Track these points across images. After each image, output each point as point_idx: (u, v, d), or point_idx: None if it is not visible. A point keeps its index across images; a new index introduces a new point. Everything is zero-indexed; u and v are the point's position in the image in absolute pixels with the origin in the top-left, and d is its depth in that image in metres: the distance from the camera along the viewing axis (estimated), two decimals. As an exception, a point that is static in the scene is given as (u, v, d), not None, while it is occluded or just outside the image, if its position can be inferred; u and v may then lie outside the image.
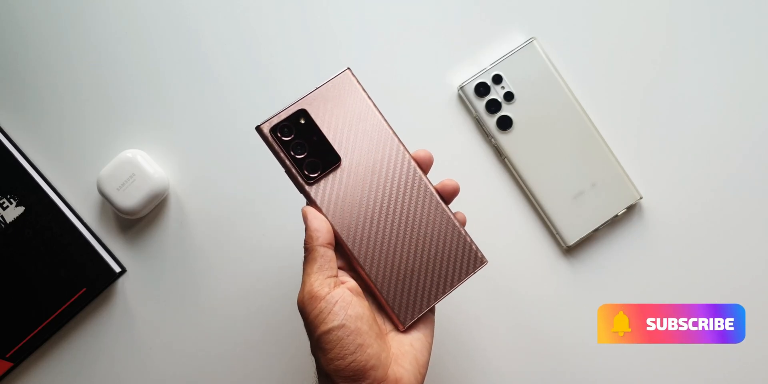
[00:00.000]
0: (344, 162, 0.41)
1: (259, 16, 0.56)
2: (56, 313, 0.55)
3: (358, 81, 0.41)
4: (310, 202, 0.41)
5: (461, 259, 0.42)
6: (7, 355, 0.55)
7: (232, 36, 0.56)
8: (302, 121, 0.40)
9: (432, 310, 0.43)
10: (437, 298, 0.42)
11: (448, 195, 0.42)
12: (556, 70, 0.54)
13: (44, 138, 0.57)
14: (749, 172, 0.55)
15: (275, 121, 0.40)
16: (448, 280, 0.42)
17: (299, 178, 0.40)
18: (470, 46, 0.55)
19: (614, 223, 0.55)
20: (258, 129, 0.40)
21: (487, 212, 0.55)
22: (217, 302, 0.56)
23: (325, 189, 0.41)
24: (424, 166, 0.42)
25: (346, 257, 0.41)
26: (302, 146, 0.40)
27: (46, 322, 0.55)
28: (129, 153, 0.54)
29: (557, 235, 0.54)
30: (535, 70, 0.54)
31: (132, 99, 0.56)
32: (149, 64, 0.56)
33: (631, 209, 0.55)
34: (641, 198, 0.54)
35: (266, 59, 0.56)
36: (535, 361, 0.55)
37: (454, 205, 0.45)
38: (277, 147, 0.40)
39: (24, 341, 0.55)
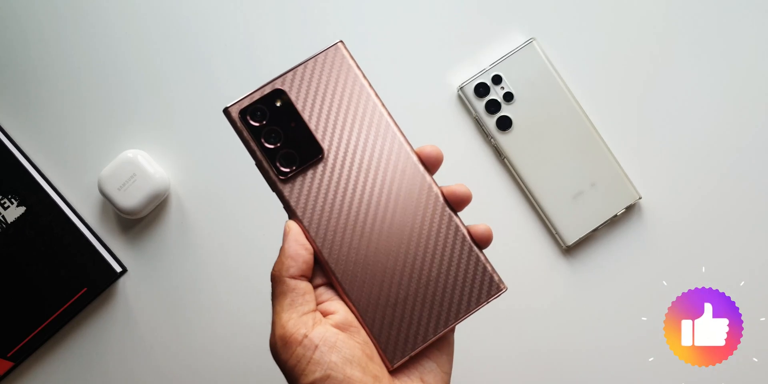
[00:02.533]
0: (328, 155, 0.34)
1: (259, 16, 0.56)
2: (57, 313, 0.55)
3: (351, 56, 0.35)
4: (284, 202, 0.34)
5: (471, 284, 0.34)
6: (8, 355, 0.55)
7: (233, 36, 0.56)
8: (278, 104, 0.34)
9: (452, 330, 0.35)
10: (436, 333, 0.33)
11: (456, 203, 0.35)
12: (556, 70, 0.54)
13: (45, 138, 0.57)
14: (749, 172, 0.55)
15: (246, 102, 0.34)
16: (452, 309, 0.34)
17: (270, 172, 0.34)
18: (470, 47, 0.55)
19: (613, 223, 0.55)
20: (225, 112, 0.34)
21: (487, 212, 0.55)
22: (218, 302, 0.56)
23: (302, 188, 0.34)
24: (431, 165, 0.35)
25: (326, 277, 0.34)
26: (276, 134, 0.34)
27: (47, 322, 0.55)
28: (130, 153, 0.54)
29: (556, 235, 0.54)
30: (535, 70, 0.54)
31: (133, 99, 0.56)
32: (150, 64, 0.56)
33: (630, 209, 0.55)
34: (640, 198, 0.54)
35: (266, 59, 0.56)
36: (534, 361, 0.55)
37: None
38: (245, 134, 0.34)
39: (25, 341, 0.55)
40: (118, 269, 0.55)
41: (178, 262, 0.56)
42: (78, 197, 0.57)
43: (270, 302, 0.33)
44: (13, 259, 0.54)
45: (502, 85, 0.54)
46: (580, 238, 0.54)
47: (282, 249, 0.33)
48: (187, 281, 0.56)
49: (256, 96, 0.34)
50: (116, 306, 0.56)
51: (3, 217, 0.54)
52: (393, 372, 0.33)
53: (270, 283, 0.33)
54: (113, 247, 0.57)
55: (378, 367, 0.33)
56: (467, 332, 0.55)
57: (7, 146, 0.55)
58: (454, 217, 0.35)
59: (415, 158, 0.35)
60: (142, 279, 0.56)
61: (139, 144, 0.56)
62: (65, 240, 0.55)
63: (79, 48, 0.57)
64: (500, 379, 0.55)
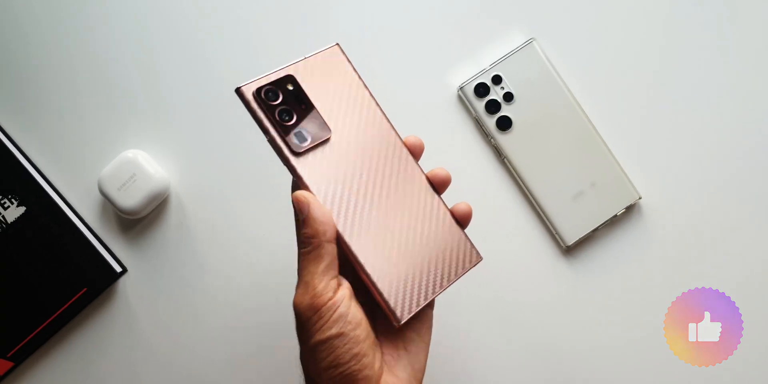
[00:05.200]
0: (333, 137, 0.37)
1: (260, 17, 0.56)
2: (57, 313, 0.55)
3: (347, 57, 0.39)
4: (296, 177, 0.36)
5: (456, 254, 0.39)
6: (8, 355, 0.55)
7: (233, 35, 0.56)
8: (290, 87, 0.37)
9: (431, 306, 0.41)
10: (435, 293, 0.38)
11: (438, 185, 0.40)
12: (556, 70, 0.54)
13: (45, 138, 0.57)
14: (749, 172, 0.55)
15: (261, 82, 0.36)
16: (444, 275, 0.39)
17: (285, 148, 0.36)
18: (470, 47, 0.55)
19: (613, 223, 0.55)
20: (238, 91, 0.36)
21: (487, 212, 0.55)
22: (218, 301, 0.56)
23: (313, 165, 0.36)
24: (415, 153, 0.40)
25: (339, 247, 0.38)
26: (288, 113, 0.36)
27: (47, 322, 0.55)
28: (130, 153, 0.54)
29: (556, 235, 0.54)
30: (535, 70, 0.54)
31: (133, 99, 0.56)
32: (150, 64, 0.56)
33: (630, 209, 0.55)
34: (640, 198, 0.54)
35: (266, 60, 0.56)
36: (534, 361, 0.55)
37: (451, 198, 0.44)
38: (261, 112, 0.36)
39: (25, 341, 0.55)
40: (118, 269, 0.55)
41: (178, 262, 0.56)
42: (78, 197, 0.57)
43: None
44: (12, 259, 0.54)
45: (502, 85, 0.54)
46: (580, 238, 0.54)
47: (309, 217, 0.36)
48: (187, 281, 0.56)
49: (272, 77, 0.36)
50: (116, 306, 0.57)
51: (3, 217, 0.54)
52: (400, 328, 0.38)
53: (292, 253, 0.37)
54: (113, 247, 0.57)
55: (374, 335, 0.37)
56: (469, 331, 0.55)
57: (6, 146, 0.55)
58: (438, 198, 0.40)
59: (404, 147, 0.39)
60: (142, 279, 0.57)
61: (139, 144, 0.56)
62: (65, 240, 0.55)
63: (79, 48, 0.57)
64: (501, 379, 0.55)
